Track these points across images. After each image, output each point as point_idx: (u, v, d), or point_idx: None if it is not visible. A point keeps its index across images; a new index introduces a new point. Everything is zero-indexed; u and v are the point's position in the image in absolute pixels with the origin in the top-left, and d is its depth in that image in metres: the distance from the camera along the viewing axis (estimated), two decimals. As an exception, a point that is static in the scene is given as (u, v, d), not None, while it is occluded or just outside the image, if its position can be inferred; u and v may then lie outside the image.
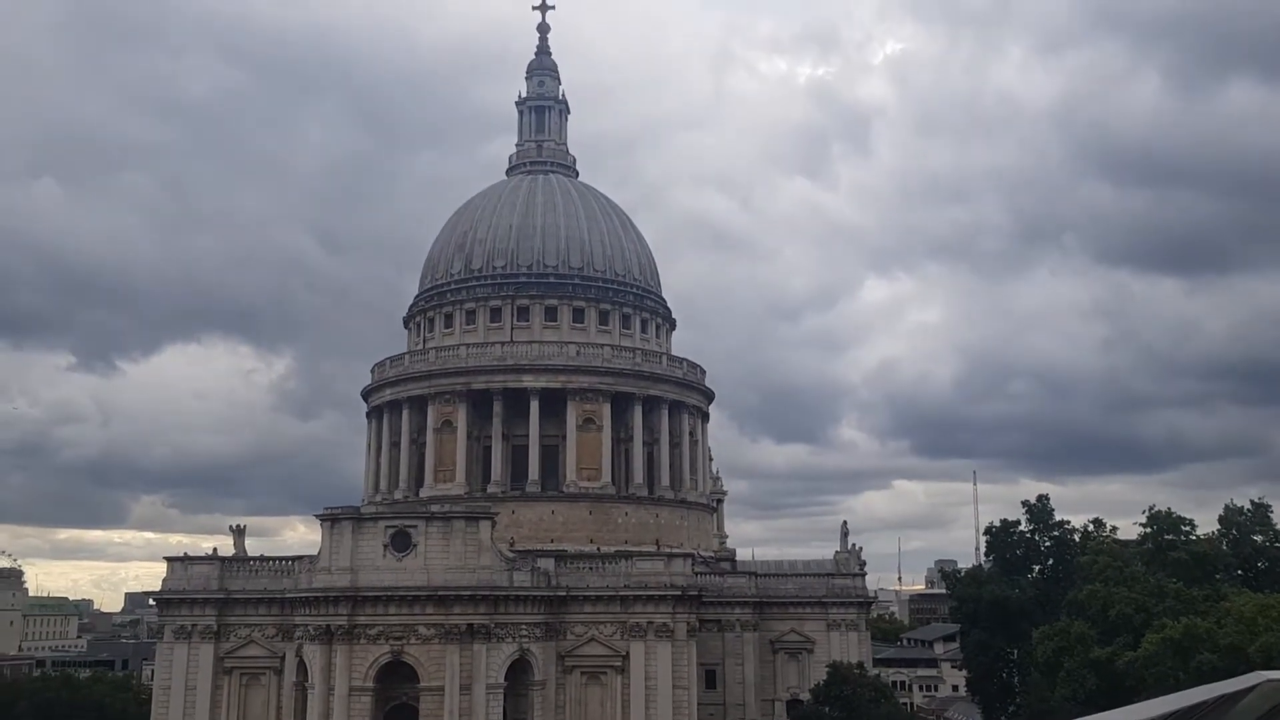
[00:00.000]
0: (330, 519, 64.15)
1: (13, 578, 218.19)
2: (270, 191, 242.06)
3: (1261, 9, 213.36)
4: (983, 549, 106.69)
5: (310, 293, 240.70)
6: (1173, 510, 77.60)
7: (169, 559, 68.61)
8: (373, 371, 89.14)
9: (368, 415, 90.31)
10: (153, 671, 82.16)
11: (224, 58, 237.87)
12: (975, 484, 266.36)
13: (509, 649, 62.44)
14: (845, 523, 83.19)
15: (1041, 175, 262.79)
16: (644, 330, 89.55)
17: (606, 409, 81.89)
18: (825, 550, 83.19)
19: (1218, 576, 72.03)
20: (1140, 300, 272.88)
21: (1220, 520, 78.26)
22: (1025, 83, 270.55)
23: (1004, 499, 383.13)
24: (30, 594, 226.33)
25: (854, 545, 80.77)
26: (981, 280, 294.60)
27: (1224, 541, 76.23)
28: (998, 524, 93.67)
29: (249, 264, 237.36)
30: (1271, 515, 77.36)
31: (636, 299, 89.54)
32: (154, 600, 69.98)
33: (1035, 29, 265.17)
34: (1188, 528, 76.79)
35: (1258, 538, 76.27)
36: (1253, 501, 78.00)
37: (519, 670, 63.06)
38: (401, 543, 63.02)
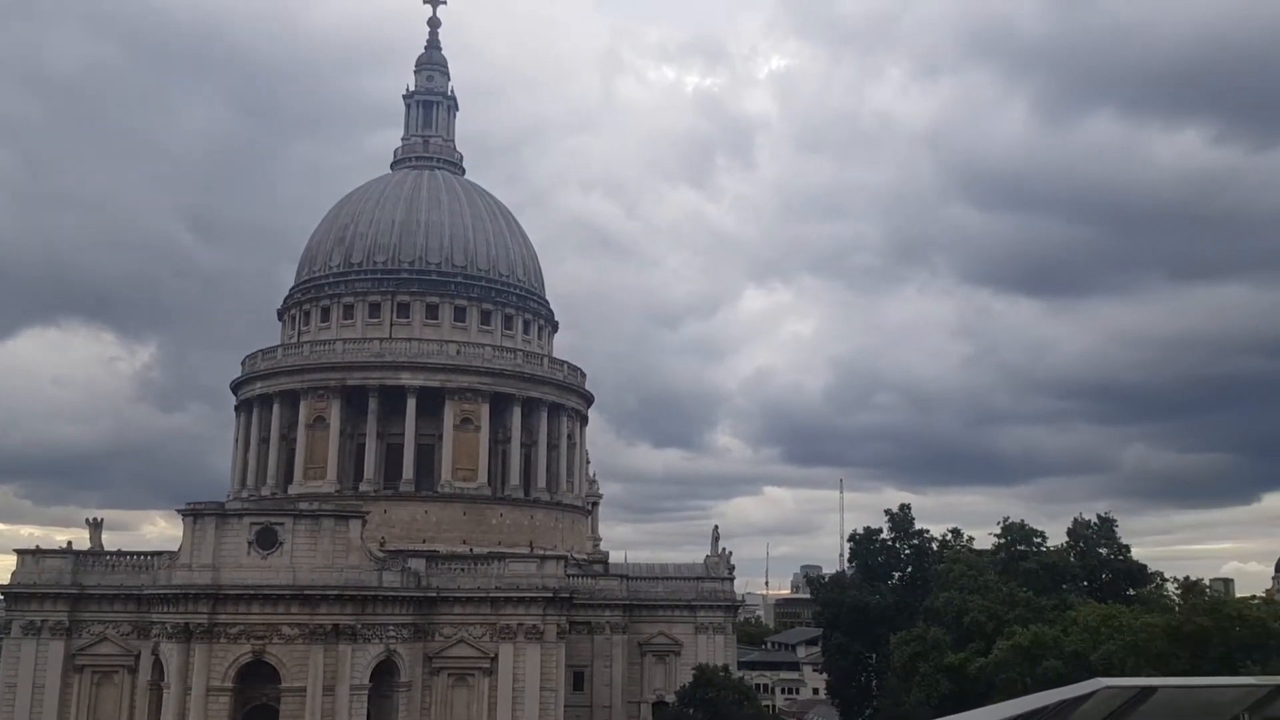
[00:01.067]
0: (193, 514, 62.33)
1: None
2: (140, 172, 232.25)
3: (1123, 47, 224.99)
4: (847, 555, 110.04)
5: (179, 279, 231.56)
6: (1025, 522, 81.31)
7: (19, 551, 65.46)
8: (244, 364, 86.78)
9: (236, 409, 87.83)
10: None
11: (95, 31, 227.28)
12: (841, 492, 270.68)
13: (375, 650, 61.65)
14: (716, 527, 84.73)
15: (915, 195, 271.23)
16: (526, 332, 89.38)
17: (485, 409, 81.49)
18: (697, 554, 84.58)
19: (1065, 586, 75.70)
20: (1001, 320, 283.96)
21: (1069, 533, 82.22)
22: (903, 104, 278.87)
23: (869, 507, 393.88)
24: None
25: (724, 550, 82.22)
26: (855, 295, 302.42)
27: (1072, 553, 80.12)
28: (861, 531, 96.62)
29: (115, 247, 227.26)
30: (1116, 529, 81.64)
31: (519, 300, 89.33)
32: (1, 594, 66.65)
33: (913, 53, 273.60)
34: (1039, 539, 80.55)
35: (1103, 550, 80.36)
36: (1100, 516, 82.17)
37: (385, 671, 62.29)
38: (267, 540, 61.63)
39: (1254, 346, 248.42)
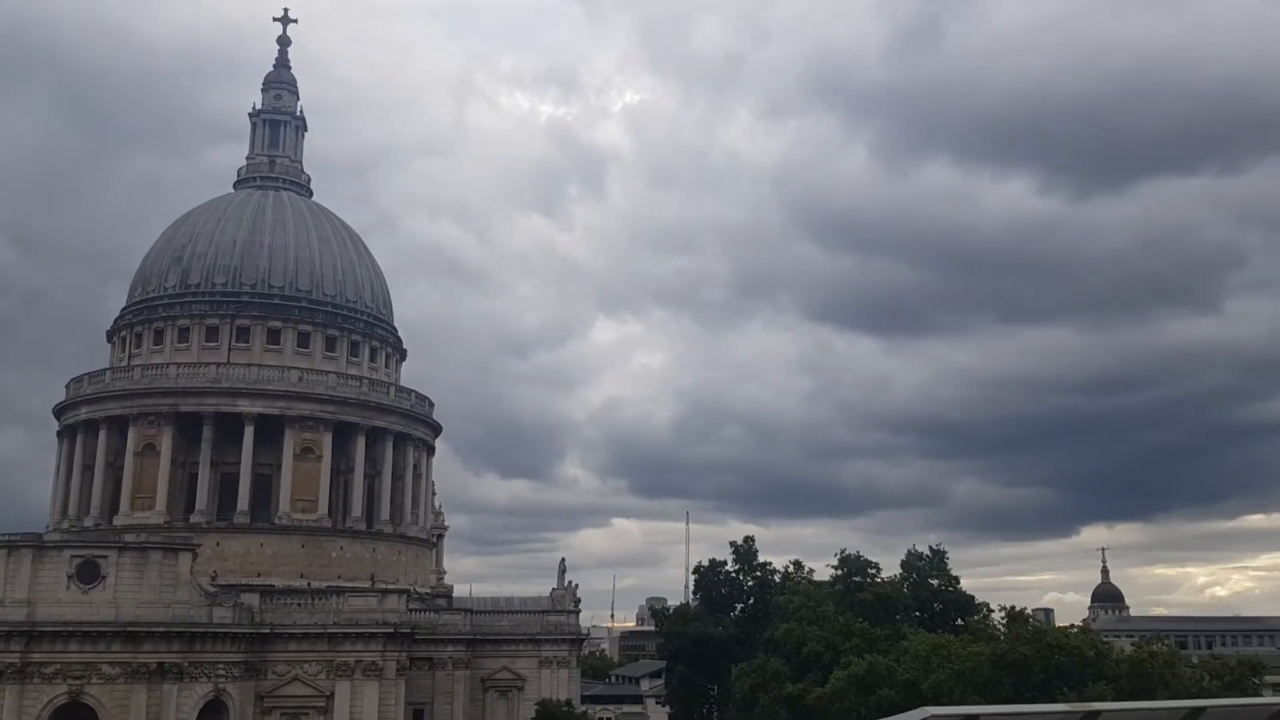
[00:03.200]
0: (7, 546, 58.68)
1: None
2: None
3: (957, 96, 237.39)
4: (691, 587, 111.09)
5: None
6: (861, 554, 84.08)
7: None
8: (68, 387, 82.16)
9: (59, 434, 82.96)
10: None
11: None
12: (688, 523, 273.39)
13: (203, 689, 59.02)
14: (563, 560, 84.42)
15: (761, 233, 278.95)
16: (373, 359, 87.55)
17: (328, 438, 79.29)
18: (543, 587, 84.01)
19: (899, 617, 78.43)
20: (842, 356, 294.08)
21: (903, 564, 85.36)
22: (750, 144, 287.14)
23: (714, 539, 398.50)
24: None
25: (570, 582, 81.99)
26: (702, 328, 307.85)
27: (905, 584, 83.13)
28: (706, 563, 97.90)
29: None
30: (947, 561, 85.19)
31: (367, 326, 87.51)
32: None
33: (761, 94, 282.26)
34: (874, 570, 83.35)
35: (934, 581, 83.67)
36: (931, 548, 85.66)
37: (213, 711, 59.66)
38: (89, 574, 58.46)
39: (1075, 387, 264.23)
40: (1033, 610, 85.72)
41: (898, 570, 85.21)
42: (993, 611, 77.83)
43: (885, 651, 64.72)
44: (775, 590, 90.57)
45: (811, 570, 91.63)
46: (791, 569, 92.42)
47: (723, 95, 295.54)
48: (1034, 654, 56.22)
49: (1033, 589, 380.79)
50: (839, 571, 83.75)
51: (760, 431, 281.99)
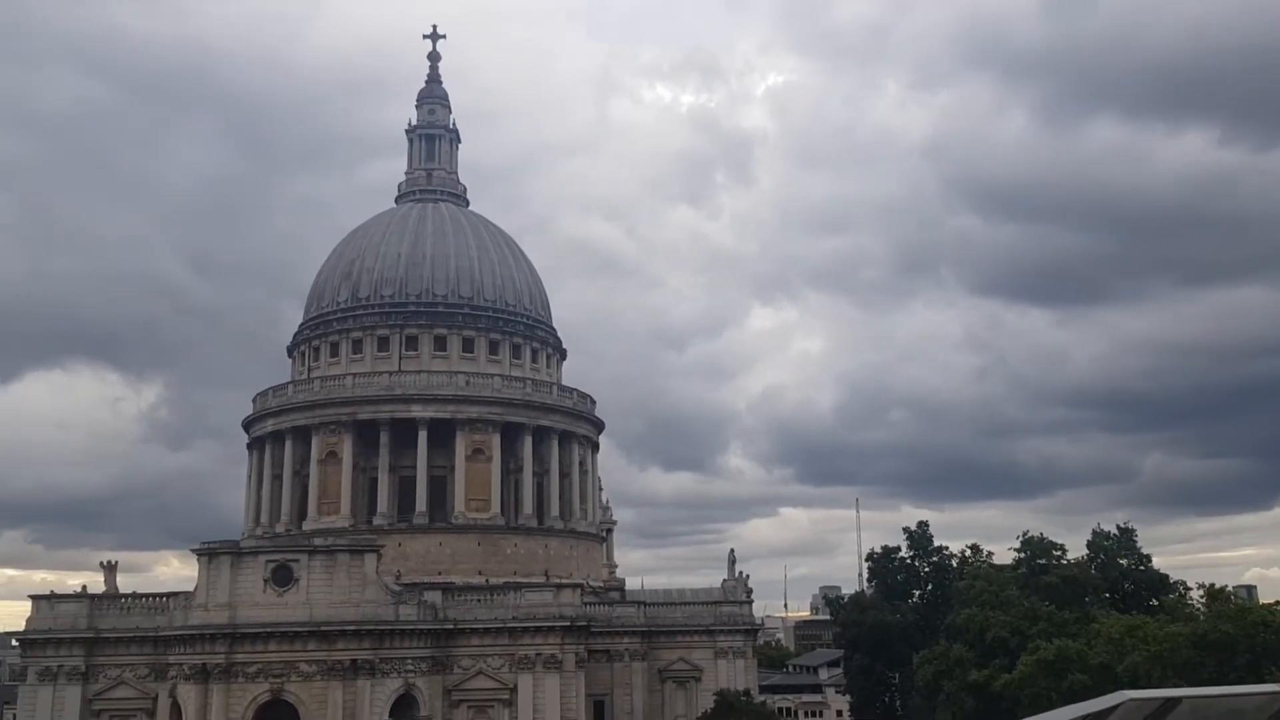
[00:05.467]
0: (208, 553, 62.22)
1: None
2: (138, 211, 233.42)
3: (1121, 51, 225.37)
4: (865, 575, 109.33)
5: (180, 317, 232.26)
6: (1045, 535, 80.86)
7: (34, 597, 65.31)
8: (254, 401, 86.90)
9: (249, 446, 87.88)
10: (14, 716, 77.96)
11: (87, 70, 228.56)
12: (858, 511, 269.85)
13: (394, 684, 61.30)
14: (732, 550, 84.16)
15: (917, 207, 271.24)
16: (534, 360, 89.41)
17: (496, 439, 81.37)
18: (713, 578, 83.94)
19: (1087, 599, 75.10)
20: (1010, 330, 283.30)
21: (1089, 545, 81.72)
22: (901, 117, 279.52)
23: (886, 525, 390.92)
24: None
25: (741, 573, 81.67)
26: (860, 310, 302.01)
27: (1093, 565, 79.55)
28: (879, 550, 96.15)
29: (115, 287, 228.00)
30: (1137, 539, 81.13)
31: (527, 329, 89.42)
32: (17, 641, 66.49)
33: (910, 65, 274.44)
34: (1059, 552, 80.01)
35: (1124, 561, 79.83)
36: (1119, 526, 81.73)
37: (404, 705, 61.91)
38: (283, 577, 61.48)
39: (1269, 348, 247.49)
40: (1234, 588, 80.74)
41: (1083, 551, 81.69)
42: (1189, 590, 73.76)
43: (1074, 635, 62.08)
44: (953, 575, 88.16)
45: (990, 554, 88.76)
46: (969, 553, 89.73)
47: (869, 69, 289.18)
48: (1238, 633, 52.94)
49: (1232, 565, 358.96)
50: (1021, 554, 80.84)
51: (928, 412, 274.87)
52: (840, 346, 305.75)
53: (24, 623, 64.59)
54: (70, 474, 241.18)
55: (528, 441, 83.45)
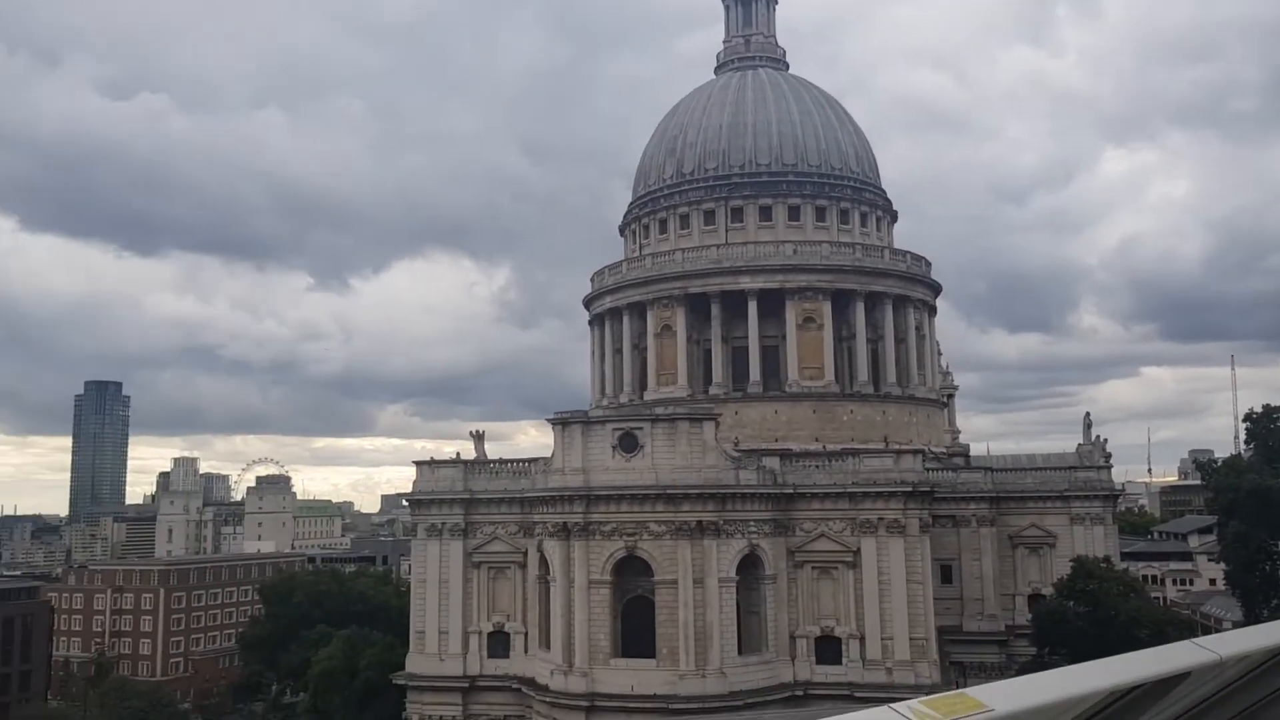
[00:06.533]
0: (560, 423, 66.19)
1: (282, 483, 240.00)
2: (475, 106, 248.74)
3: None
4: (1243, 437, 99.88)
5: (520, 204, 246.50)
6: None
7: (417, 463, 72.73)
8: (592, 280, 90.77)
9: (590, 323, 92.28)
10: (409, 566, 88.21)
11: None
12: (1233, 368, 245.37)
13: (738, 544, 63.05)
14: (1088, 414, 79.15)
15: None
16: (863, 224, 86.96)
17: (827, 307, 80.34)
18: (1065, 443, 79.73)
19: None
20: None
21: None
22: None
23: (1265, 384, 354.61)
24: (298, 498, 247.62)
25: (1098, 436, 76.83)
26: (1232, 146, 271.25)
27: None
28: (1259, 410, 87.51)
29: (459, 179, 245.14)
30: None
31: (854, 192, 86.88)
32: (406, 501, 74.60)
33: None
34: None
35: None
36: None
37: (749, 565, 63.68)
38: (629, 444, 64.33)
39: None
40: None
41: None
42: None
43: None
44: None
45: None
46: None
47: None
48: None
49: None
50: None
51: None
52: (1208, 188, 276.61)
53: (410, 485, 72.17)
54: (438, 353, 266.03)
55: (859, 308, 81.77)
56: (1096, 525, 72.88)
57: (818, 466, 67.08)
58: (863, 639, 62.69)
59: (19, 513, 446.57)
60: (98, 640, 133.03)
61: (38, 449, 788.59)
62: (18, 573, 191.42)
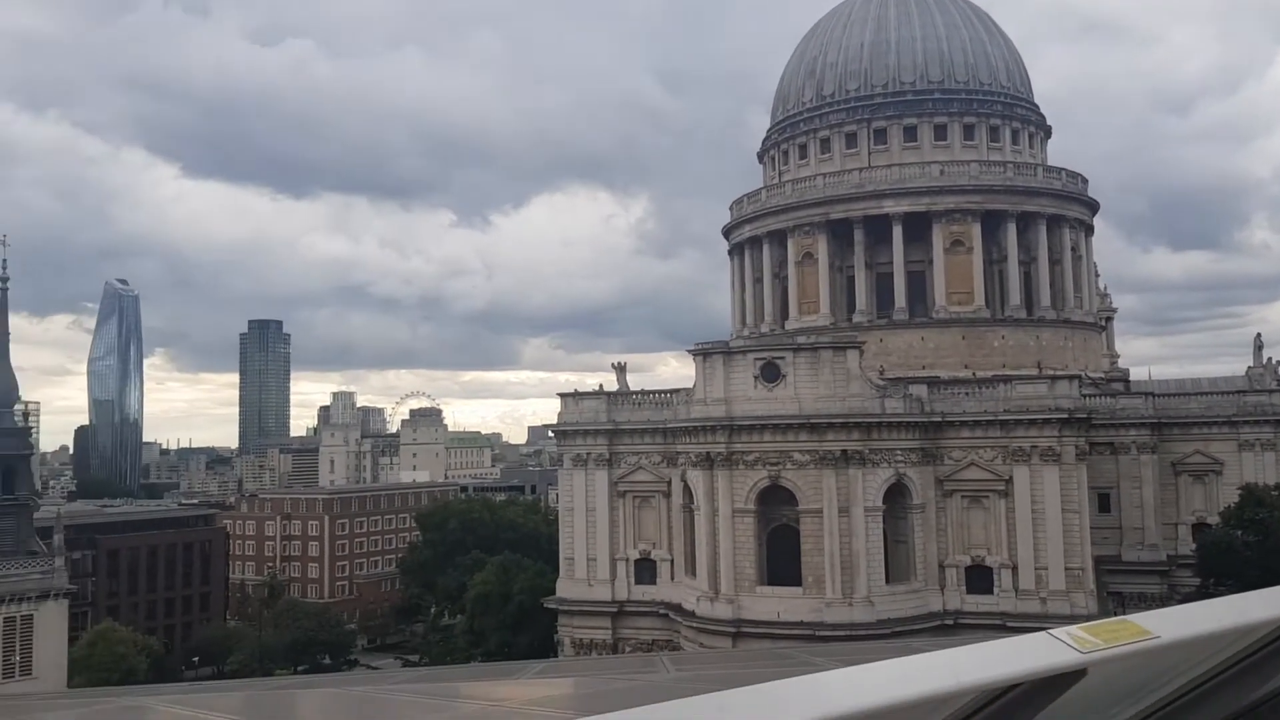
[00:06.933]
0: (702, 354, 66.22)
1: (433, 416, 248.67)
2: (611, 37, 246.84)
3: None
4: None
5: (657, 134, 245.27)
6: None
7: (561, 395, 74.07)
8: (730, 209, 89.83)
9: (729, 252, 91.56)
10: (556, 495, 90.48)
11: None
12: None
13: (885, 473, 62.29)
14: (1259, 335, 74.89)
15: None
16: (1014, 141, 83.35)
17: (976, 229, 77.62)
18: (1233, 367, 75.38)
19: None
20: None
21: None
22: None
23: None
24: (449, 429, 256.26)
25: (1269, 359, 72.50)
26: None
27: None
28: None
29: (594, 111, 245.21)
30: None
31: (1004, 108, 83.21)
32: (552, 432, 76.22)
33: None
34: None
35: None
36: None
37: (896, 494, 62.90)
38: (771, 374, 63.94)
39: None
40: None
41: None
42: None
43: None
44: None
45: None
46: None
47: None
48: None
49: None
50: None
51: None
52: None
53: (555, 417, 73.61)
54: (578, 286, 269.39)
55: (1011, 229, 78.74)
56: (1267, 451, 69.14)
57: (967, 394, 65.53)
58: (1015, 568, 61.46)
59: (194, 445, 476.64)
60: (269, 564, 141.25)
61: (208, 385, 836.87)
62: (195, 501, 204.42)
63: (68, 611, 64.70)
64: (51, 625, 60.64)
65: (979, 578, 62.55)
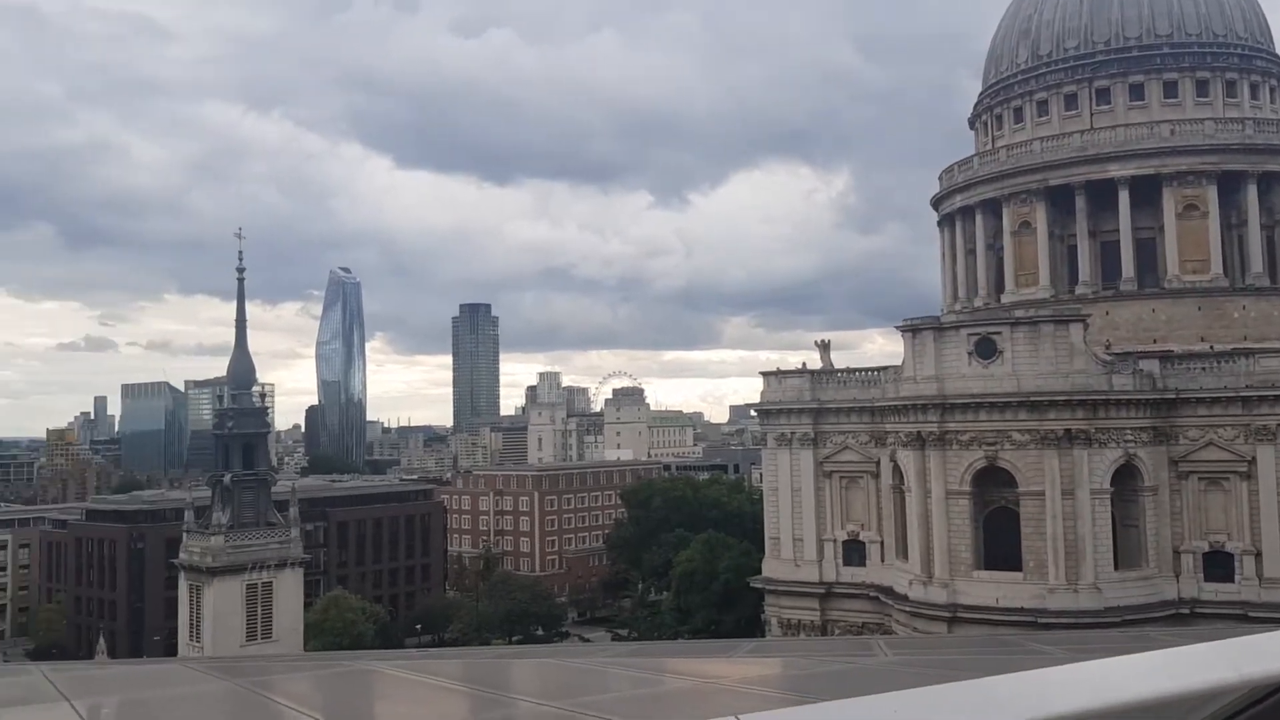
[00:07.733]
0: (911, 330, 64.26)
1: (636, 395, 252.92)
2: (805, 7, 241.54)
3: None
4: None
5: (858, 105, 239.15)
6: None
7: (764, 374, 73.53)
8: (940, 178, 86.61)
9: (939, 224, 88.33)
10: (760, 474, 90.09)
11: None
12: None
13: (1113, 454, 58.85)
14: None
15: None
16: (1253, 96, 76.78)
17: (1212, 192, 71.99)
18: None
19: None
20: None
21: None
22: None
23: None
24: (651, 408, 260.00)
25: None
26: None
27: None
28: None
29: (792, 84, 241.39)
30: None
31: (1241, 60, 76.71)
32: (755, 411, 75.85)
33: None
34: None
35: None
36: None
37: (1124, 475, 59.34)
38: (986, 350, 61.39)
39: None
40: None
41: None
42: None
43: None
44: None
45: None
46: None
47: None
48: None
49: None
50: None
51: None
52: None
53: (758, 396, 73.16)
54: (779, 263, 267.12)
55: (1251, 191, 72.60)
56: None
57: (1204, 369, 61.20)
58: (1259, 555, 57.14)
59: (412, 424, 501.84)
60: (484, 537, 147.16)
61: (423, 366, 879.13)
62: (414, 477, 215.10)
63: (303, 579, 69.17)
64: (289, 592, 65.00)
65: (1218, 564, 58.40)
